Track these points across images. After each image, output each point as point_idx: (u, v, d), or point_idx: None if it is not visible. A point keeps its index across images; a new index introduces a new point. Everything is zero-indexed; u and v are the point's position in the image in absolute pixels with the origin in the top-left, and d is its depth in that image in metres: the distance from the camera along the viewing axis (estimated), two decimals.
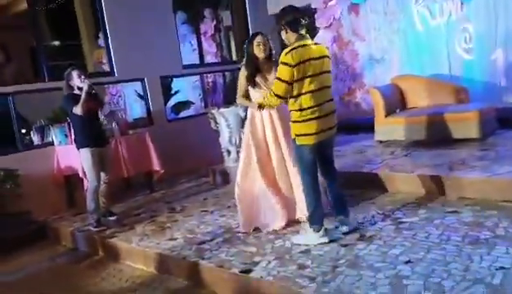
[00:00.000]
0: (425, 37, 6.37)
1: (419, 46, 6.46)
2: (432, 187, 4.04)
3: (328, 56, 3.24)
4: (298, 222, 3.72)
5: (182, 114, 7.69)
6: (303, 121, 3.13)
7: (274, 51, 3.73)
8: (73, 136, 4.88)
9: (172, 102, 7.62)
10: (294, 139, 3.21)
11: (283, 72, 3.07)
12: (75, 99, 4.42)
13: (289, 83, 3.07)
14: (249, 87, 3.70)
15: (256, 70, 3.66)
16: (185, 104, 7.81)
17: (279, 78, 3.10)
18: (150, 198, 5.65)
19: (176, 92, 7.72)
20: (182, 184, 6.09)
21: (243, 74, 3.73)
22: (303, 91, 3.09)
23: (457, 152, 4.78)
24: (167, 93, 7.25)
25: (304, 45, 3.10)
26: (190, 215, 4.58)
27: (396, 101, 5.89)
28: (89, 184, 4.60)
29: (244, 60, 3.75)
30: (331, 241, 3.27)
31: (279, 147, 3.71)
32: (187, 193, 5.59)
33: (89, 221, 4.68)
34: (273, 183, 3.76)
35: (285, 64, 3.05)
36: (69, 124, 5.19)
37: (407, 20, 6.52)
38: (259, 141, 3.74)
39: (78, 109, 4.38)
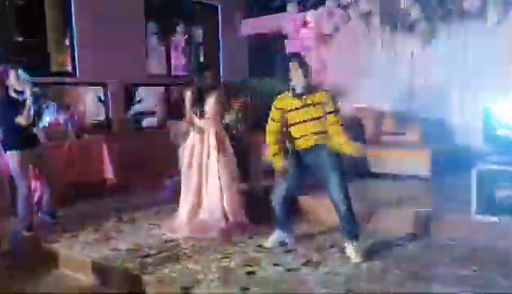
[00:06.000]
0: (388, 71, 6.60)
1: (381, 80, 6.67)
2: (372, 219, 4.12)
3: None
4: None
5: (143, 124, 7.57)
6: None
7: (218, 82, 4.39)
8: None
9: (133, 110, 7.48)
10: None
11: None
12: (14, 105, 4.07)
13: None
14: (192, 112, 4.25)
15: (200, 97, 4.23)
16: (146, 114, 7.69)
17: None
18: (100, 205, 5.44)
19: (139, 101, 7.60)
20: (136, 195, 5.89)
21: (188, 97, 4.26)
22: None
23: (407, 187, 4.97)
24: (129, 101, 7.13)
25: None
26: (139, 227, 4.46)
27: (354, 131, 6.02)
28: (19, 190, 4.26)
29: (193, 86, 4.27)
30: (276, 265, 3.29)
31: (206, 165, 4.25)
32: (139, 204, 5.39)
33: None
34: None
35: None
36: None
37: (373, 54, 6.74)
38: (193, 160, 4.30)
39: (22, 120, 4.05)
